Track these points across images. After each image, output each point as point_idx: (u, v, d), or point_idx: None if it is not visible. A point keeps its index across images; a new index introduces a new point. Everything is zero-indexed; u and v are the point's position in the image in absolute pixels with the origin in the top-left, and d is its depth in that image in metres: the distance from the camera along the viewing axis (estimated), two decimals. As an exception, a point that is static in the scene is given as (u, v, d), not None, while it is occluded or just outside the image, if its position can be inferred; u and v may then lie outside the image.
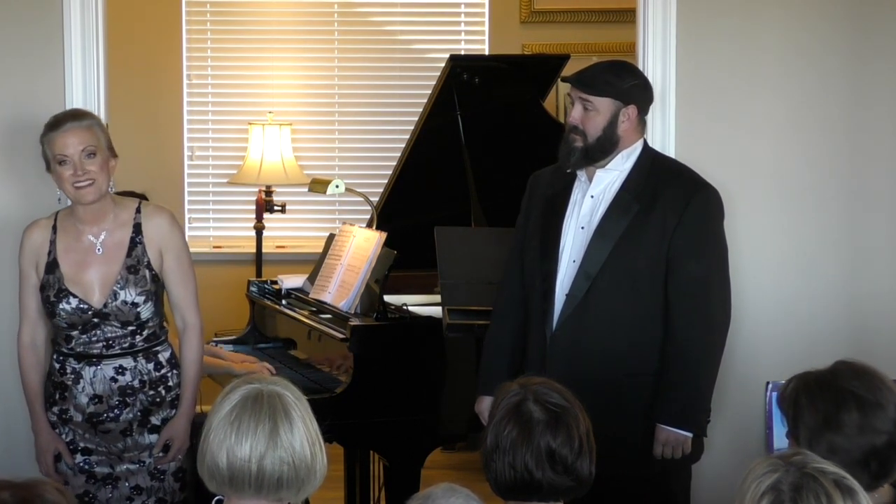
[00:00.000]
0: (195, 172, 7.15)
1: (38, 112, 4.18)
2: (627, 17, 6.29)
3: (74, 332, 3.73)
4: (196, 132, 7.16)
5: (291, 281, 5.09)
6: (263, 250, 6.75)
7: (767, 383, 3.15)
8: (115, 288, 3.71)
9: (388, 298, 4.55)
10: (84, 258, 3.75)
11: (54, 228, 3.78)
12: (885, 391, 2.65)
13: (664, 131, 4.23)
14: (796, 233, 4.29)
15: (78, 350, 3.73)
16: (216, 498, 2.50)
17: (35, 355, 3.83)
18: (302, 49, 7.14)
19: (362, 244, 4.69)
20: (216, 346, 4.97)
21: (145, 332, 3.76)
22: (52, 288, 3.72)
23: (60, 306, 3.70)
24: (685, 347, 3.66)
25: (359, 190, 5.25)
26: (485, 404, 3.84)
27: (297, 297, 4.97)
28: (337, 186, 4.96)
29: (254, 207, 6.72)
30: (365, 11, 7.15)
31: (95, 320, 3.72)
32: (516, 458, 2.60)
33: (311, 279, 4.93)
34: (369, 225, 4.94)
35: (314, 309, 4.77)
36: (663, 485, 3.78)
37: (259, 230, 6.71)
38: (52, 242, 3.77)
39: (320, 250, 5.02)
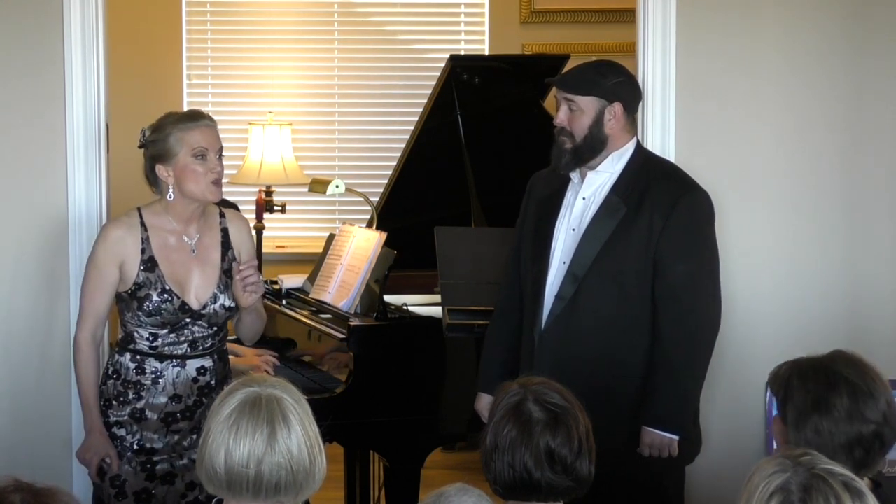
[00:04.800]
0: (195, 172, 7.15)
1: (38, 112, 4.19)
2: (627, 17, 6.28)
3: (163, 332, 3.67)
4: (196, 132, 7.15)
5: (291, 281, 5.09)
6: (263, 250, 6.73)
7: (768, 385, 3.14)
8: (215, 291, 3.69)
9: (388, 298, 4.55)
10: (180, 258, 3.70)
11: (143, 226, 3.71)
12: (878, 383, 2.67)
13: (664, 131, 4.21)
14: (796, 233, 4.28)
15: (162, 350, 3.68)
16: (216, 499, 2.50)
17: (96, 352, 3.73)
18: (302, 49, 7.14)
19: (362, 244, 4.69)
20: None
21: (222, 333, 3.78)
22: (154, 287, 3.65)
23: (164, 306, 3.64)
24: (671, 351, 3.65)
25: (359, 190, 5.25)
26: (484, 402, 3.84)
27: (297, 297, 4.97)
28: (337, 186, 4.96)
29: (254, 207, 6.70)
30: (365, 11, 7.15)
31: (188, 320, 3.68)
32: (515, 458, 2.60)
33: (311, 279, 4.93)
34: (369, 225, 4.94)
35: (314, 309, 4.76)
36: (656, 485, 3.77)
37: (259, 230, 6.68)
38: (145, 240, 3.68)
39: (320, 250, 5.01)
